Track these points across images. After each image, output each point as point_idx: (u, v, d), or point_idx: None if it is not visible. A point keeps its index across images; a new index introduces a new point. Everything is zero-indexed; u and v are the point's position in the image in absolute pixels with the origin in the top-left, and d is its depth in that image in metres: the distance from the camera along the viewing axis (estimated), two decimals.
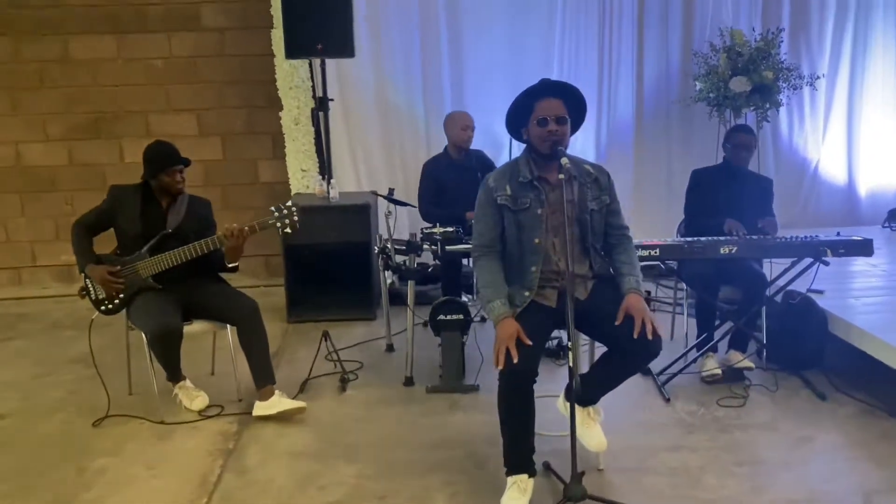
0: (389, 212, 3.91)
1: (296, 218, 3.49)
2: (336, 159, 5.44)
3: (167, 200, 3.64)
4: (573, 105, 2.82)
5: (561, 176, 2.64)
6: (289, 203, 3.52)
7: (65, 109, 5.69)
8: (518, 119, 2.86)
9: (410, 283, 3.93)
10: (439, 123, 5.50)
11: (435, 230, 3.76)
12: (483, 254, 2.90)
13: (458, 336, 3.82)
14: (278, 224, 3.48)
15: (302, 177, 5.55)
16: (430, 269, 4.06)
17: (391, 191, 4.20)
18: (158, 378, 3.61)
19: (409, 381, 3.87)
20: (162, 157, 3.56)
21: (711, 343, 3.84)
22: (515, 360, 2.58)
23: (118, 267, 3.56)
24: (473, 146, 4.67)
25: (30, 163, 5.76)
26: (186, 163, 3.63)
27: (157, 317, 3.40)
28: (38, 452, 3.31)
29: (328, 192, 4.99)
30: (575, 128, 2.87)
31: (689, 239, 3.65)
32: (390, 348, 4.41)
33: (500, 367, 2.61)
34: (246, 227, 3.44)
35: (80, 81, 5.65)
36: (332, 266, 5.02)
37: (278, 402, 3.51)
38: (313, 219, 4.85)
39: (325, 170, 5.11)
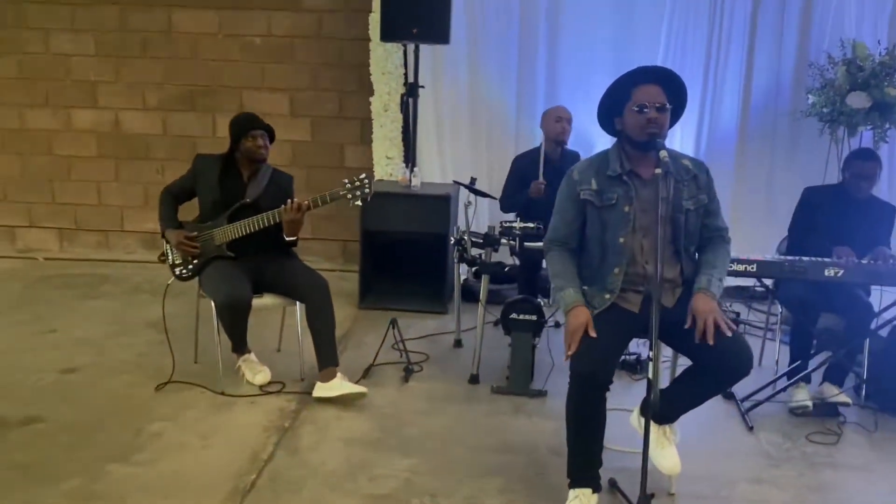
0: (469, 202, 3.78)
1: (367, 190, 3.41)
2: (422, 148, 5.33)
3: (249, 171, 3.61)
4: (673, 94, 2.62)
5: (657, 170, 2.43)
6: (362, 175, 3.44)
7: (163, 80, 5.80)
8: (612, 106, 2.66)
9: (484, 278, 3.79)
10: (530, 119, 5.36)
11: (514, 224, 3.60)
12: (554, 248, 2.73)
13: (529, 338, 3.64)
14: (349, 195, 3.40)
15: (386, 164, 5.48)
16: (506, 269, 3.89)
17: (473, 180, 4.06)
18: (224, 349, 3.58)
19: (474, 379, 3.72)
20: (243, 122, 3.55)
21: (805, 372, 3.53)
22: (572, 351, 2.44)
23: (195, 233, 3.56)
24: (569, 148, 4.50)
25: (127, 130, 5.90)
26: (268, 128, 3.60)
27: (227, 286, 3.37)
28: (100, 409, 3.32)
29: (410, 181, 4.89)
30: (674, 119, 2.66)
31: (790, 258, 3.36)
32: (458, 344, 4.27)
33: (571, 353, 2.46)
34: (307, 202, 3.37)
35: (180, 54, 5.75)
36: (408, 256, 4.92)
37: (339, 385, 3.42)
38: (394, 206, 4.78)
39: (410, 158, 5.01)
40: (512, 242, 3.57)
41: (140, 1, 5.68)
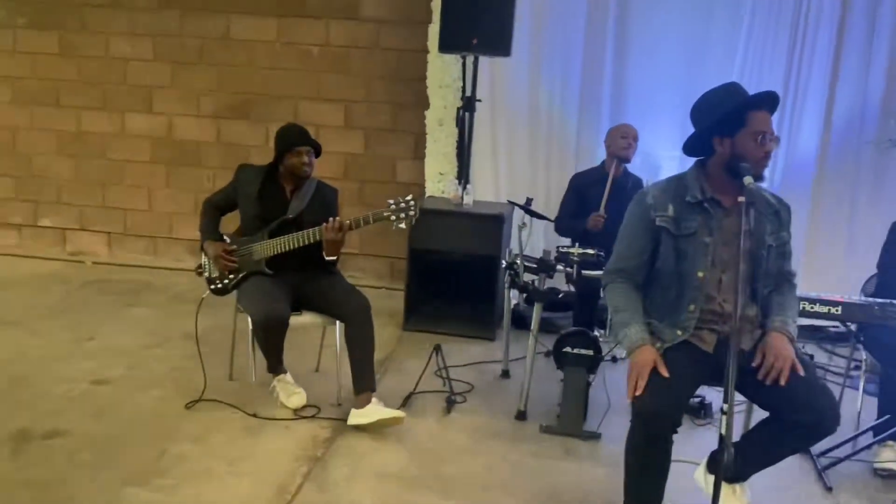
0: (524, 224, 3.53)
1: (412, 213, 3.19)
2: (476, 165, 5.12)
3: (292, 185, 3.44)
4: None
5: (741, 199, 2.15)
6: (409, 197, 3.22)
7: (218, 87, 5.73)
8: (721, 127, 2.37)
9: (537, 307, 3.52)
10: (592, 138, 5.09)
11: (572, 250, 3.34)
12: (618, 280, 2.47)
13: (583, 374, 3.36)
14: (392, 217, 3.19)
15: (439, 180, 5.28)
16: (560, 296, 3.63)
17: (529, 200, 3.81)
18: (259, 367, 3.40)
19: (521, 415, 3.46)
20: (289, 137, 3.38)
21: (894, 430, 3.15)
22: (639, 392, 2.15)
23: (234, 246, 3.40)
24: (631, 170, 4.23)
25: (180, 136, 5.84)
26: (314, 146, 3.42)
27: (264, 302, 3.19)
28: (126, 425, 3.17)
29: (462, 199, 4.67)
30: None
31: (881, 300, 3.01)
32: (505, 374, 4.00)
33: (636, 395, 2.21)
34: (348, 222, 3.18)
35: (236, 61, 5.67)
36: (456, 277, 4.69)
37: (375, 411, 3.19)
38: (444, 225, 4.57)
39: (463, 174, 4.80)
40: (569, 269, 3.31)
41: (200, 6, 5.63)
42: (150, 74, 5.77)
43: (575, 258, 3.29)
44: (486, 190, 5.11)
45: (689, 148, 2.49)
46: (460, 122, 5.01)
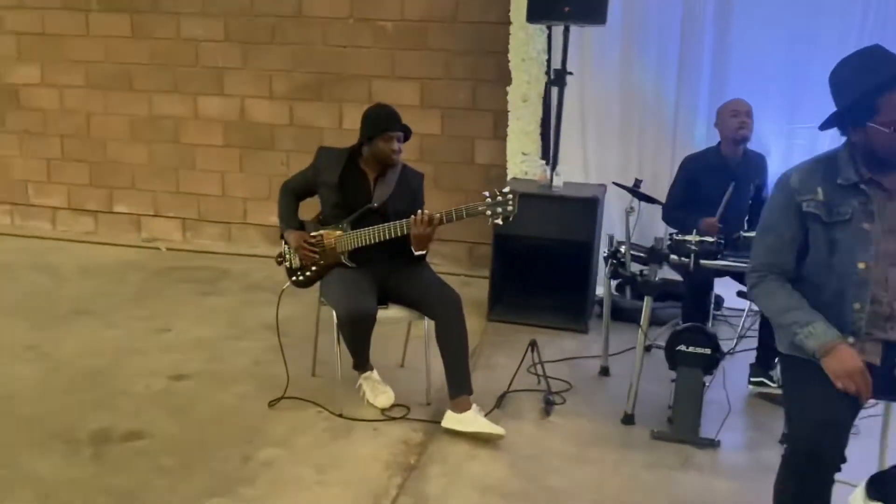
0: (632, 208, 3.20)
1: (511, 208, 2.91)
2: (562, 144, 4.79)
3: (376, 171, 3.19)
4: None
5: None
6: (506, 189, 2.93)
7: (291, 67, 5.53)
8: (851, 113, 2.03)
9: (647, 301, 3.19)
10: (691, 115, 4.70)
11: (689, 238, 3.00)
12: (770, 277, 2.13)
13: (699, 375, 3.04)
14: (488, 212, 2.91)
15: (522, 160, 4.96)
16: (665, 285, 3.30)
17: (638, 182, 3.47)
18: (344, 363, 3.19)
19: (628, 419, 3.16)
20: (382, 120, 3.12)
21: None
22: (867, 400, 1.83)
23: (316, 236, 3.18)
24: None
25: (253, 118, 5.68)
26: (407, 132, 3.17)
27: (350, 296, 2.97)
28: (208, 426, 3.01)
29: (551, 180, 4.36)
30: None
31: None
32: (605, 372, 3.69)
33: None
34: (438, 215, 2.91)
35: (309, 39, 5.45)
36: (545, 264, 4.39)
37: (473, 420, 2.94)
38: (530, 209, 4.19)
39: (551, 154, 4.47)
40: (685, 260, 2.97)
41: None
42: (222, 55, 5.61)
43: (692, 247, 2.96)
44: (572, 171, 4.75)
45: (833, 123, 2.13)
46: (546, 99, 4.70)
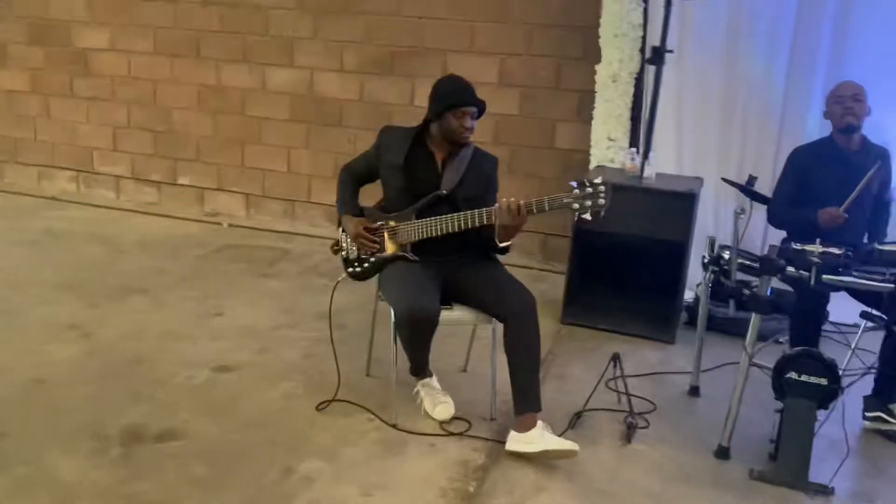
0: (742, 210, 2.73)
1: (602, 201, 2.52)
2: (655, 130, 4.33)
3: (444, 152, 2.84)
4: None
5: None
6: (597, 180, 2.53)
7: (363, 39, 5.20)
8: None
9: (756, 319, 2.73)
10: (802, 102, 4.16)
11: (811, 248, 2.54)
12: None
13: (811, 408, 2.58)
14: (576, 205, 2.52)
15: (608, 147, 4.51)
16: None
17: (752, 179, 3.01)
18: (401, 365, 2.86)
19: (723, 453, 2.73)
20: (454, 93, 2.76)
21: None
22: None
23: (377, 224, 2.85)
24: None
25: (322, 92, 5.39)
26: (481, 107, 2.79)
27: (411, 294, 2.63)
28: (250, 429, 2.73)
29: (641, 170, 3.91)
30: None
31: None
32: (695, 392, 3.26)
33: None
34: (530, 202, 2.53)
35: (383, 9, 5.11)
36: (629, 264, 3.95)
37: (540, 438, 2.57)
38: (617, 201, 3.72)
39: (642, 141, 4.00)
40: (804, 273, 2.52)
41: None
42: (292, 24, 5.32)
43: (815, 259, 2.50)
44: (665, 161, 4.28)
45: None
46: (639, 79, 4.23)
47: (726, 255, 2.88)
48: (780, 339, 3.76)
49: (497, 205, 2.61)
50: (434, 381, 2.93)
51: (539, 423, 2.60)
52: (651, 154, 3.94)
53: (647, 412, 3.03)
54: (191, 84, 5.63)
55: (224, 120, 5.62)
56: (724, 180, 3.13)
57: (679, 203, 3.72)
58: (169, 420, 2.72)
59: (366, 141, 5.08)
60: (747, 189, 2.95)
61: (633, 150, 4.17)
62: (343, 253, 2.97)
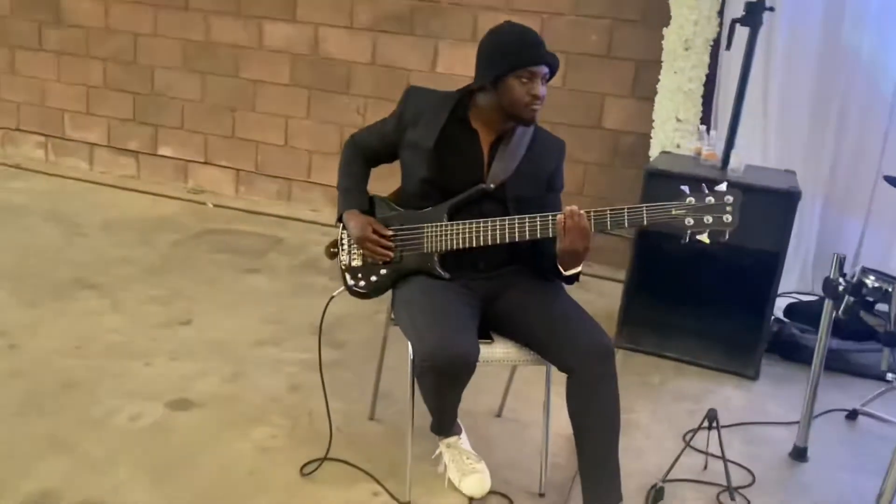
0: None
1: (730, 218, 1.74)
2: (727, 113, 3.53)
3: (494, 133, 2.04)
4: None
5: None
6: (722, 187, 1.77)
7: None
8: None
9: (887, 353, 1.96)
10: None
11: None
12: None
13: None
14: (690, 220, 1.74)
15: (674, 129, 3.70)
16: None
17: None
18: (419, 422, 2.08)
19: None
20: (521, 48, 1.96)
21: None
22: None
23: (393, 227, 2.06)
24: None
25: (327, 53, 4.59)
26: (553, 67, 2.00)
27: (439, 328, 1.84)
28: (206, 501, 1.95)
29: (724, 160, 3.11)
30: None
31: None
32: (800, 455, 2.47)
33: None
34: (601, 211, 1.78)
35: None
36: (702, 276, 3.17)
37: None
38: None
39: (730, 124, 3.17)
40: None
41: None
42: None
43: None
44: (748, 150, 3.47)
45: None
46: (716, 48, 3.42)
47: (870, 281, 2.09)
48: (890, 377, 3.00)
49: (560, 217, 1.82)
50: (464, 440, 2.15)
51: None
52: (735, 140, 3.13)
53: (745, 486, 2.26)
54: (176, 39, 4.83)
55: (213, 82, 4.82)
56: (889, 178, 2.30)
57: (777, 203, 2.91)
58: (94, 485, 1.96)
59: (377, 112, 4.28)
60: None
61: (706, 132, 3.37)
62: (343, 258, 2.17)
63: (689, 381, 2.92)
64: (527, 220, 1.88)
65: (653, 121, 3.80)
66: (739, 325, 3.11)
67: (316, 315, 3.11)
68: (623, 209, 1.80)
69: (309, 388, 2.55)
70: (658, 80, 3.78)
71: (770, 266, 2.96)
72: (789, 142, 3.56)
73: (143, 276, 3.43)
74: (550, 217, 1.85)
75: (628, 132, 4.11)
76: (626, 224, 1.80)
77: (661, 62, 3.76)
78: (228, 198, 4.86)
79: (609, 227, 1.80)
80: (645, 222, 1.77)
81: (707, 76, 3.65)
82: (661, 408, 2.64)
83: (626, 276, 3.21)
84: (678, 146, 3.67)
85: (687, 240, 1.77)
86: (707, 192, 1.76)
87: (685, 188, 1.77)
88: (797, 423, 2.59)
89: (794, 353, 3.15)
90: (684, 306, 3.22)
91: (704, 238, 1.76)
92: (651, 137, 3.82)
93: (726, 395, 2.85)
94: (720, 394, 2.84)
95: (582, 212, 1.80)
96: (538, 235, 1.87)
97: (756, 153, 3.49)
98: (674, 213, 1.76)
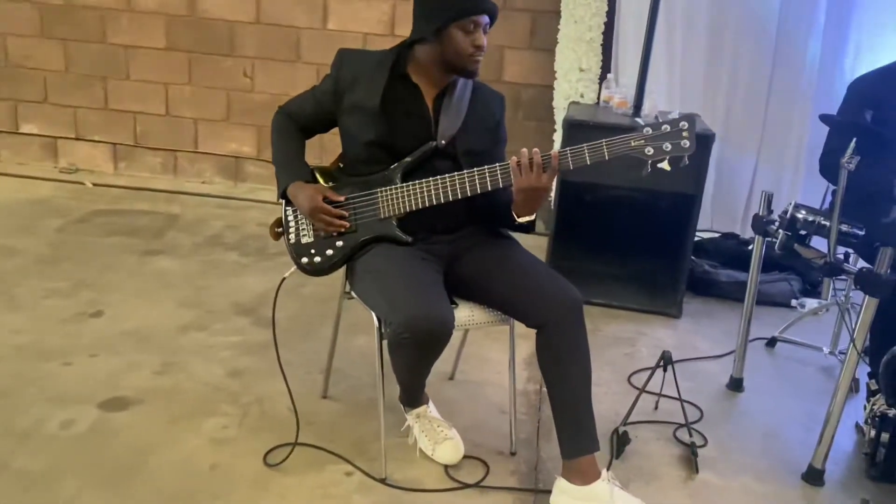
0: (851, 157, 1.97)
1: (686, 143, 1.78)
2: (625, 61, 3.62)
3: (436, 87, 1.97)
4: None
5: None
6: (674, 115, 1.81)
7: None
8: None
9: (869, 304, 2.04)
10: (802, 25, 3.55)
11: None
12: None
13: None
14: (649, 149, 1.78)
15: (577, 79, 3.74)
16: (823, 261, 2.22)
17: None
18: (388, 387, 2.02)
19: (814, 475, 2.10)
20: None
21: None
22: None
23: (342, 197, 1.95)
24: None
25: (205, 13, 4.26)
26: (493, 15, 1.94)
27: (413, 296, 1.77)
28: (171, 496, 1.82)
29: (635, 106, 3.17)
30: None
31: None
32: (736, 386, 2.62)
33: None
34: (562, 152, 1.78)
35: None
36: (621, 223, 3.26)
37: (608, 495, 1.82)
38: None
39: (640, 70, 3.20)
40: None
41: None
42: None
43: None
44: (651, 96, 3.57)
45: None
46: None
47: (802, 215, 2.20)
48: (794, 304, 3.23)
49: (514, 159, 1.80)
50: (432, 409, 2.11)
51: (604, 472, 1.85)
52: (646, 86, 3.21)
53: (696, 421, 2.36)
54: (31, 2, 4.34)
55: (78, 50, 4.39)
56: (824, 118, 2.39)
57: None
58: (48, 496, 1.76)
59: (267, 73, 4.09)
60: (868, 127, 2.22)
61: (613, 80, 3.43)
62: (291, 236, 2.04)
63: (621, 325, 3.00)
64: (483, 171, 1.84)
65: (555, 72, 3.82)
66: (660, 266, 3.25)
67: (236, 294, 2.99)
68: (583, 147, 1.79)
69: (249, 372, 2.42)
70: (558, 31, 3.79)
71: (686, 208, 3.08)
72: (689, 85, 3.69)
73: (35, 268, 3.11)
74: (501, 167, 1.82)
75: (528, 85, 4.12)
76: (588, 161, 1.79)
77: (559, 12, 3.78)
78: (108, 175, 4.49)
79: (571, 166, 1.79)
80: (607, 157, 1.77)
81: (605, 24, 3.71)
82: (600, 354, 2.70)
83: (550, 227, 3.25)
84: (582, 96, 3.71)
85: (650, 169, 1.79)
86: (662, 122, 1.79)
87: (640, 120, 1.80)
88: (727, 355, 2.75)
89: (709, 289, 3.32)
90: (608, 253, 3.32)
91: (665, 165, 1.79)
92: (553, 89, 3.84)
93: (658, 335, 2.96)
94: (652, 335, 2.95)
95: (537, 150, 1.78)
96: (498, 185, 1.83)
97: (661, 99, 3.59)
98: (633, 144, 1.77)
